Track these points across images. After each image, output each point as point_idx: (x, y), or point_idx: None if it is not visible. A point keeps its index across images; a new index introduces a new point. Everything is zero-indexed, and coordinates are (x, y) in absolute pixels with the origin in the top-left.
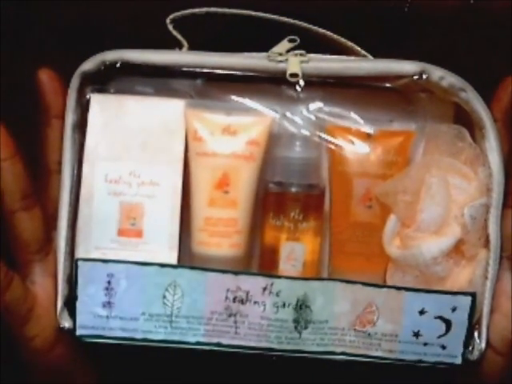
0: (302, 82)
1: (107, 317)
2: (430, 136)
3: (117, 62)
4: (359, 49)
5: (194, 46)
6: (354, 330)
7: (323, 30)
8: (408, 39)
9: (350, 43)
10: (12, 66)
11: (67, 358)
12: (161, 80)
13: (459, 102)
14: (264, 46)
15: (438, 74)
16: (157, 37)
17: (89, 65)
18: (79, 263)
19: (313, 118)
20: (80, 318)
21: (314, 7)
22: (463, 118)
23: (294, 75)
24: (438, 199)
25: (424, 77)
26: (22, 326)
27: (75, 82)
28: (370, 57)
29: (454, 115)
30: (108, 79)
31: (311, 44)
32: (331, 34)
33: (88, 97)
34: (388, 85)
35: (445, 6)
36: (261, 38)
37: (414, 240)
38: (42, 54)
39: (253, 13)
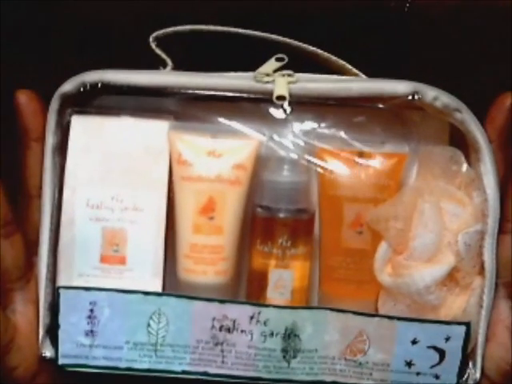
0: (288, 106)
1: (90, 346)
2: (424, 159)
3: (97, 84)
4: (350, 67)
5: (179, 65)
6: (345, 359)
7: (313, 48)
8: (408, 40)
9: (341, 61)
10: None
11: None
12: (144, 99)
13: (454, 122)
14: (251, 63)
15: (431, 95)
16: (141, 55)
17: (68, 86)
18: (61, 291)
19: (302, 140)
20: (62, 347)
21: (303, 23)
22: (459, 138)
23: (281, 97)
24: (431, 226)
25: (417, 97)
26: (4, 356)
27: (55, 103)
28: (362, 75)
29: (450, 135)
30: (89, 98)
31: (300, 62)
32: (321, 51)
33: (68, 119)
34: (380, 105)
35: (445, 6)
36: (248, 56)
37: (406, 268)
38: (21, 74)
39: (239, 30)
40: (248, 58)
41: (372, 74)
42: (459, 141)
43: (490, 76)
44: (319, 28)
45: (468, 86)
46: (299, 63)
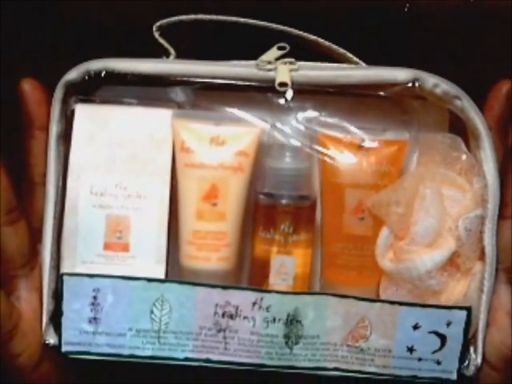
0: (290, 92)
1: (93, 333)
2: (424, 145)
3: (101, 72)
4: (351, 55)
5: (182, 54)
6: (347, 345)
7: (314, 37)
8: (407, 40)
9: (342, 50)
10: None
11: (54, 374)
12: (148, 88)
13: (454, 109)
14: (253, 53)
15: (431, 82)
16: (144, 44)
17: (73, 74)
18: (64, 278)
19: (304, 127)
20: (66, 334)
21: (305, 12)
22: (459, 125)
23: (283, 84)
24: (432, 211)
25: (417, 84)
26: (8, 342)
27: (59, 92)
28: (363, 64)
29: (450, 122)
30: (93, 88)
31: (302, 51)
32: (322, 40)
33: (73, 107)
34: (381, 93)
35: (445, 6)
36: (250, 45)
37: (407, 253)
38: (25, 63)
39: (241, 19)
40: (250, 47)
41: None
42: (459, 128)
43: (490, 76)
44: (322, 25)
45: (468, 85)
46: (301, 52)
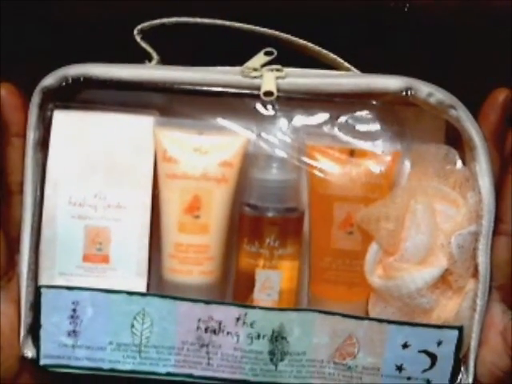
0: (276, 103)
1: (73, 346)
2: (417, 157)
3: (79, 78)
4: (342, 61)
5: (166, 59)
6: (334, 362)
7: (304, 41)
8: (406, 40)
9: (332, 55)
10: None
11: None
12: (129, 93)
13: (449, 119)
14: (239, 58)
15: (425, 91)
16: (127, 48)
17: (50, 80)
18: (43, 290)
19: (291, 137)
20: (44, 347)
21: (294, 16)
22: (454, 137)
23: (269, 93)
24: (423, 228)
25: (410, 93)
26: None
27: (36, 97)
28: (354, 69)
29: (446, 131)
30: (72, 93)
31: (290, 56)
32: (312, 45)
33: (50, 113)
34: (373, 102)
35: (445, 6)
36: (236, 49)
37: (397, 270)
38: (2, 68)
39: (227, 22)
40: (237, 51)
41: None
42: (455, 139)
43: (489, 76)
44: (316, 27)
45: (468, 86)
46: (290, 57)
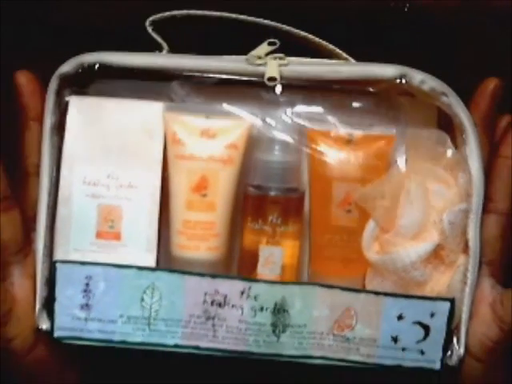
0: (279, 87)
1: (85, 319)
2: (411, 141)
3: (95, 64)
4: (341, 52)
5: (174, 49)
6: (333, 334)
7: (304, 33)
8: (407, 39)
9: (331, 46)
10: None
11: (47, 359)
12: (140, 82)
13: (441, 105)
14: (244, 48)
15: (418, 78)
16: (137, 39)
17: (67, 67)
18: (58, 265)
19: (292, 121)
20: (58, 320)
21: (299, 9)
22: (446, 122)
23: (273, 79)
24: (417, 205)
25: (404, 81)
26: (1, 326)
27: (53, 84)
28: (352, 60)
29: (438, 118)
30: (87, 81)
31: (292, 47)
32: (312, 36)
33: (67, 99)
34: (369, 89)
35: (445, 6)
36: (241, 41)
37: (392, 245)
38: (20, 55)
39: (233, 15)
40: (241, 42)
41: None
42: (446, 124)
43: (489, 76)
44: (316, 27)
45: (468, 85)
46: (291, 48)
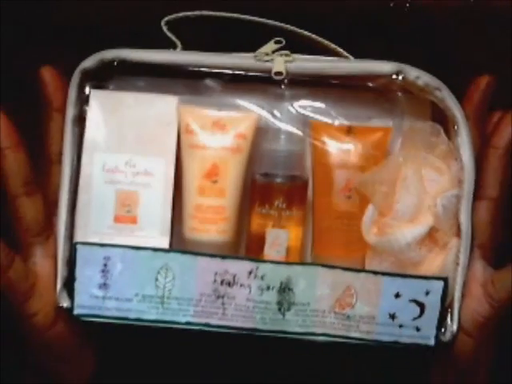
0: (286, 81)
1: (103, 297)
2: (407, 132)
3: (115, 60)
4: (341, 50)
5: (187, 47)
6: (334, 312)
7: (308, 33)
8: (407, 39)
9: (332, 45)
10: (16, 64)
11: (66, 337)
12: (156, 78)
13: (434, 100)
14: (252, 47)
15: (413, 74)
16: (153, 37)
17: (89, 62)
18: (78, 247)
19: (297, 114)
20: (78, 298)
21: (303, 11)
22: (440, 116)
23: (279, 73)
24: (413, 190)
25: (400, 76)
26: (24, 302)
27: (76, 78)
28: (352, 58)
29: (432, 113)
30: (107, 76)
31: (297, 45)
32: (315, 36)
33: (88, 93)
34: (368, 84)
35: (445, 6)
36: (249, 40)
37: (390, 228)
38: (44, 51)
39: (242, 16)
40: (250, 41)
41: None
42: (440, 117)
43: (490, 74)
44: (316, 27)
45: (468, 85)
46: (296, 46)
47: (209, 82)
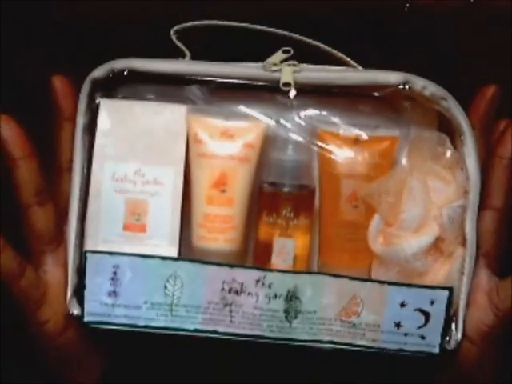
0: (293, 91)
1: (113, 305)
2: (413, 141)
3: (124, 70)
4: (348, 59)
5: (196, 56)
6: (340, 320)
7: (315, 42)
8: (408, 39)
9: (340, 54)
10: (28, 75)
11: (76, 344)
12: (165, 87)
13: (441, 109)
14: (260, 56)
15: (420, 84)
16: (162, 47)
17: (99, 72)
18: (88, 255)
19: (305, 123)
20: (88, 306)
21: (309, 19)
22: (446, 125)
23: (287, 84)
24: (419, 200)
25: (407, 87)
26: (35, 310)
27: (86, 87)
28: (359, 67)
29: (438, 122)
30: (116, 85)
31: (305, 55)
32: (323, 45)
33: (97, 102)
34: (375, 93)
35: (445, 6)
36: (257, 49)
37: (396, 238)
38: (55, 60)
39: (250, 25)
40: (258, 50)
41: None
42: (446, 127)
43: (489, 76)
44: (316, 27)
45: (468, 85)
46: (304, 55)
47: (194, 89)
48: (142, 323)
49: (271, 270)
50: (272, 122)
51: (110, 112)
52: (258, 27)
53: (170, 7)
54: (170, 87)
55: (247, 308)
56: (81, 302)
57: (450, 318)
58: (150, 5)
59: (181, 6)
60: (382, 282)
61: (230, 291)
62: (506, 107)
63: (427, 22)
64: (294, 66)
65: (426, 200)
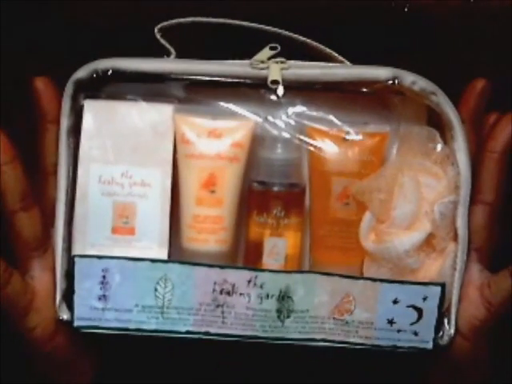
0: (282, 89)
1: (103, 309)
2: (404, 137)
3: (108, 70)
4: (337, 55)
5: (181, 54)
6: (333, 318)
7: (303, 38)
8: (408, 39)
9: (328, 50)
10: (10, 75)
11: (66, 348)
12: (151, 85)
13: (430, 104)
14: (247, 53)
15: (409, 79)
16: (146, 45)
17: (82, 73)
18: (76, 259)
19: (293, 121)
20: (77, 311)
21: (297, 15)
22: (436, 120)
23: (275, 82)
24: (410, 197)
25: (396, 82)
26: (23, 317)
27: (69, 89)
28: (348, 63)
29: (428, 117)
30: (100, 85)
31: (292, 51)
32: (311, 41)
33: (81, 103)
34: (364, 89)
35: (445, 6)
36: (244, 46)
37: (387, 235)
38: (37, 60)
39: (236, 22)
40: (244, 47)
41: None
42: (436, 121)
43: (490, 76)
44: (316, 27)
45: (467, 85)
46: (291, 52)
47: (180, 87)
48: (132, 326)
49: (263, 270)
50: (260, 120)
51: (94, 113)
52: (245, 24)
53: (157, 5)
54: (155, 86)
55: (239, 308)
56: (70, 307)
57: (442, 313)
58: (136, 4)
59: (168, 4)
60: (374, 280)
61: (221, 292)
62: (506, 107)
63: (427, 21)
64: (282, 62)
65: (417, 196)
